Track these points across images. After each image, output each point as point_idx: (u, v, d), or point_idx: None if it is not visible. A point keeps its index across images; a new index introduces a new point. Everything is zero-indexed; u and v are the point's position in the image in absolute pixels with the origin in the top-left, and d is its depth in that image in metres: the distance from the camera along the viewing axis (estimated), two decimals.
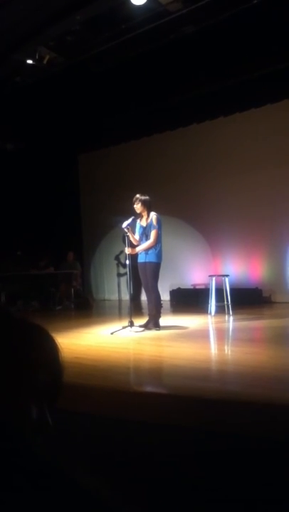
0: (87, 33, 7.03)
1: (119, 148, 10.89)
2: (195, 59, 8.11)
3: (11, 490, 0.48)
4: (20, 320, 0.70)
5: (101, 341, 5.13)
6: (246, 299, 8.11)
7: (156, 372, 3.82)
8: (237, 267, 9.12)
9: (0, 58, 7.18)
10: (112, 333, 5.47)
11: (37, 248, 10.33)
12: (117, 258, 11.08)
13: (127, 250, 5.82)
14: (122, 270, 11.05)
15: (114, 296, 11.27)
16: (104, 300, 11.29)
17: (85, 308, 9.17)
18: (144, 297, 8.50)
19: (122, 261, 10.91)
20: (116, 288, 11.26)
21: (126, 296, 10.80)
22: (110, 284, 11.37)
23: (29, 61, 7.19)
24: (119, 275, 11.15)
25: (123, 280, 11.08)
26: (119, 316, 8.78)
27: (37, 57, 7.26)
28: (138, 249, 5.81)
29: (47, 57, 7.23)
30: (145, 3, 6.30)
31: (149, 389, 3.38)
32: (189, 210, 9.77)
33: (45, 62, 7.22)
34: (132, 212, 6.03)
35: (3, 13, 5.76)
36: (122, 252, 10.76)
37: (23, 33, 6.59)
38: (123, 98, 9.12)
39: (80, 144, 11.19)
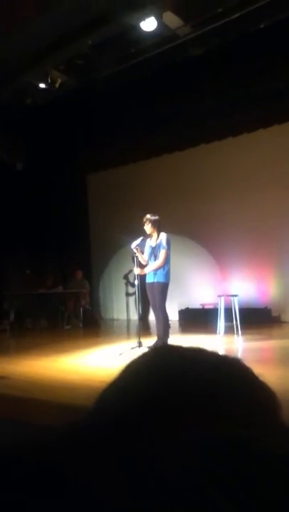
0: (97, 56, 7.19)
1: (128, 168, 10.98)
2: (203, 80, 8.24)
3: None
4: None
5: (110, 363, 5.10)
6: (255, 319, 8.05)
7: None
8: (245, 287, 9.07)
9: (12, 81, 7.34)
10: (120, 354, 5.44)
11: (45, 267, 10.38)
12: (125, 277, 11.08)
13: (137, 271, 5.82)
14: (130, 289, 11.04)
15: (123, 316, 11.24)
16: (113, 319, 11.25)
17: (94, 327, 9.15)
18: (152, 317, 8.49)
19: (131, 280, 10.91)
20: (124, 307, 11.24)
21: (134, 316, 10.78)
22: (119, 304, 11.35)
23: (41, 85, 7.32)
24: (128, 294, 11.14)
25: (131, 299, 11.06)
26: (128, 335, 8.75)
27: (49, 80, 7.41)
28: (147, 269, 5.81)
29: (59, 80, 7.38)
30: (155, 28, 6.42)
31: None
32: (198, 229, 9.78)
33: (57, 85, 7.36)
34: (140, 232, 6.06)
35: (14, 37, 5.90)
36: (131, 271, 10.75)
37: (35, 56, 6.75)
38: (131, 118, 9.25)
39: (89, 163, 11.31)
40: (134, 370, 0.58)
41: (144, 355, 0.60)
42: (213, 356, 0.58)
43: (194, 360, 0.56)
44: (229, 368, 0.57)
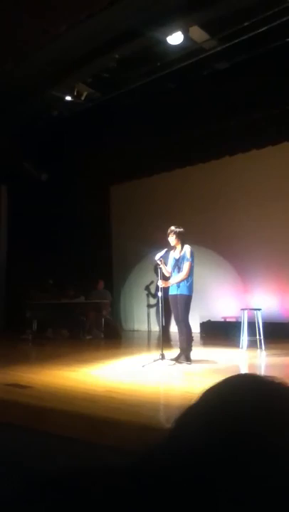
0: (123, 70, 7.28)
1: (151, 180, 11.03)
2: (227, 93, 8.25)
3: None
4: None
5: (132, 374, 5.08)
6: (278, 333, 7.91)
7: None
8: (268, 300, 8.94)
9: (39, 93, 7.48)
10: (143, 366, 5.42)
11: (68, 277, 10.45)
12: (147, 288, 11.07)
13: (160, 283, 5.80)
14: (151, 301, 11.02)
15: (144, 327, 11.21)
16: (134, 330, 11.24)
17: (115, 337, 9.14)
18: (173, 329, 8.44)
19: (152, 291, 10.89)
20: (145, 318, 11.21)
21: (155, 327, 10.74)
22: (140, 315, 11.33)
23: (68, 97, 7.45)
24: (149, 306, 11.12)
25: (152, 311, 11.03)
26: (149, 347, 8.72)
27: (75, 93, 7.53)
28: (171, 281, 5.79)
29: (85, 93, 7.50)
30: (181, 42, 6.47)
31: None
32: (220, 241, 9.73)
33: (83, 98, 7.47)
34: (162, 243, 6.06)
35: (44, 52, 6.03)
36: (152, 282, 10.75)
37: (63, 70, 6.88)
38: (155, 130, 9.31)
39: (112, 174, 11.41)
40: (220, 398, 0.56)
41: (229, 381, 0.58)
42: None
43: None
44: None
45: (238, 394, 0.55)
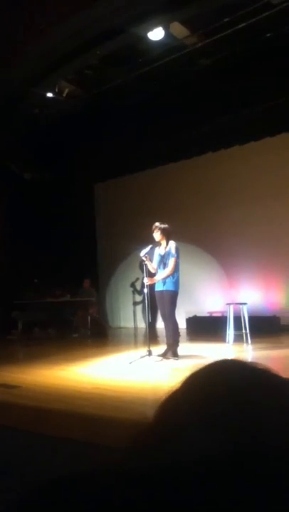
0: (105, 66, 7.26)
1: (135, 177, 11.02)
2: (212, 90, 8.28)
3: None
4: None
5: (120, 371, 5.08)
6: (264, 327, 7.99)
7: None
8: (253, 295, 9.02)
9: (21, 92, 7.41)
10: (130, 363, 5.42)
11: (53, 276, 10.39)
12: (132, 285, 11.08)
13: (146, 280, 5.81)
14: (137, 298, 11.04)
15: (130, 324, 11.22)
16: (120, 328, 11.24)
17: (102, 336, 9.14)
18: (159, 325, 8.47)
19: (138, 288, 10.91)
20: (132, 315, 11.23)
21: (142, 324, 10.76)
22: (126, 312, 11.34)
23: (49, 94, 7.39)
24: (135, 303, 11.13)
25: (139, 308, 11.06)
26: (136, 344, 8.74)
27: (56, 90, 7.48)
28: (157, 278, 5.81)
29: (66, 90, 7.45)
30: (162, 38, 6.48)
31: None
32: (205, 237, 9.78)
33: (64, 95, 7.42)
34: (147, 240, 6.07)
35: (26, 50, 5.97)
36: (138, 279, 10.77)
37: (45, 68, 6.82)
38: (139, 128, 9.31)
39: (97, 172, 11.37)
40: (200, 383, 0.56)
41: (212, 366, 0.58)
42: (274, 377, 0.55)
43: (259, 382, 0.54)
44: None
45: (222, 377, 0.55)
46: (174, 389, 0.58)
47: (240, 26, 6.60)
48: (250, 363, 0.58)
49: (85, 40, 6.00)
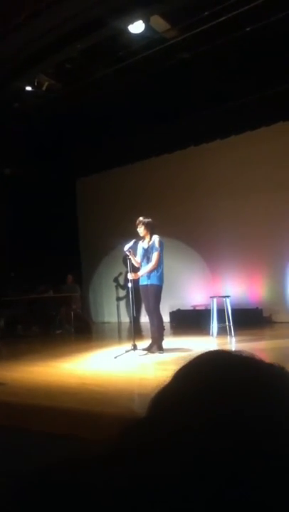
0: (85, 60, 7.19)
1: (117, 172, 10.99)
2: (192, 84, 8.27)
3: None
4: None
5: (105, 366, 5.09)
6: (247, 320, 8.08)
7: None
8: (236, 287, 9.12)
9: (1, 87, 7.30)
10: (115, 357, 5.42)
11: (36, 272, 10.28)
12: (116, 280, 11.07)
13: (130, 276, 5.80)
14: (121, 292, 11.03)
15: (114, 319, 11.22)
16: (104, 323, 11.23)
17: (86, 331, 9.11)
18: (143, 319, 8.49)
19: (122, 283, 10.90)
20: (115, 310, 11.22)
21: (125, 319, 10.77)
22: (109, 307, 11.33)
23: (28, 88, 7.30)
24: (119, 297, 11.12)
25: (122, 302, 11.06)
26: (120, 338, 8.73)
27: (36, 83, 7.38)
28: (140, 273, 5.81)
29: (46, 83, 7.36)
30: (142, 31, 6.45)
31: None
32: (188, 231, 9.82)
33: (44, 88, 7.34)
34: (130, 235, 6.06)
35: (4, 43, 5.88)
36: (121, 274, 10.75)
37: (24, 61, 6.72)
38: (120, 122, 9.25)
39: (78, 167, 11.29)
40: (191, 376, 0.57)
41: (201, 359, 0.58)
42: (267, 368, 0.56)
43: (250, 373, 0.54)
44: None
45: (212, 369, 0.55)
46: (165, 384, 0.58)
47: (220, 20, 6.61)
48: (236, 351, 0.58)
49: (65, 33, 5.93)
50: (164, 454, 0.48)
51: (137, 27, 6.43)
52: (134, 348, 5.63)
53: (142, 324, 8.94)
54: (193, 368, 0.58)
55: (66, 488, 0.49)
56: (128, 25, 6.34)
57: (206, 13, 6.56)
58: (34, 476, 0.53)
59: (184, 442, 0.48)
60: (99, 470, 0.51)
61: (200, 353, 0.59)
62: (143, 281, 5.82)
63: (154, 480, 0.47)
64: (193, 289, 9.78)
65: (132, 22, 6.21)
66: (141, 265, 5.87)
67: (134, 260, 5.88)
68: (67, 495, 0.48)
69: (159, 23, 6.77)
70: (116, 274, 10.99)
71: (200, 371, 0.57)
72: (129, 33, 6.51)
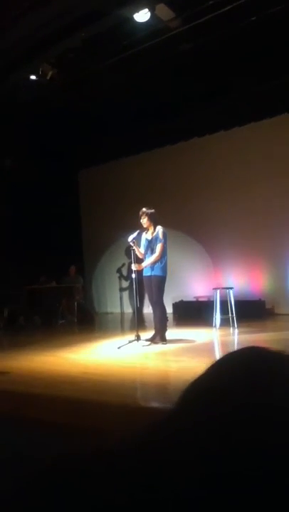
0: (89, 49, 7.13)
1: (120, 163, 10.96)
2: (194, 75, 8.21)
3: None
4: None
5: (109, 356, 5.10)
6: (249, 311, 8.08)
7: (165, 387, 3.79)
8: (239, 279, 9.12)
9: (3, 76, 7.25)
10: (119, 348, 5.44)
11: (38, 263, 10.28)
12: (119, 271, 11.08)
13: (134, 266, 5.80)
14: (124, 283, 11.04)
15: (117, 309, 11.24)
16: (107, 313, 11.25)
17: (88, 322, 9.13)
18: (146, 310, 8.50)
19: (124, 274, 10.91)
20: (118, 301, 11.24)
21: (128, 309, 10.79)
22: (112, 297, 11.35)
23: (32, 77, 7.25)
24: (122, 288, 11.14)
25: (125, 293, 11.07)
26: (123, 329, 8.76)
27: (40, 73, 7.33)
28: (144, 264, 5.81)
29: (50, 73, 7.31)
30: (147, 20, 6.38)
31: (158, 405, 3.35)
32: (190, 223, 9.80)
33: (48, 77, 7.29)
34: (132, 226, 6.05)
35: (8, 33, 5.83)
36: (124, 264, 10.76)
37: (27, 50, 6.67)
38: (123, 113, 9.19)
39: (81, 158, 11.25)
40: (227, 371, 0.56)
41: (237, 354, 0.57)
42: None
43: None
44: None
45: (248, 367, 0.54)
46: (199, 376, 0.57)
47: (225, 9, 6.53)
48: (273, 349, 0.57)
49: (68, 22, 5.87)
50: (190, 445, 0.48)
51: (142, 16, 6.36)
52: (138, 338, 5.65)
53: (145, 315, 8.95)
54: (227, 361, 0.57)
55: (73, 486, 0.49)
56: (134, 13, 6.27)
57: (210, 1, 6.50)
58: (39, 474, 0.52)
59: (208, 433, 0.48)
60: (119, 463, 0.50)
61: (240, 348, 0.58)
62: (146, 272, 5.82)
63: (178, 469, 0.46)
64: (196, 280, 9.78)
65: (138, 10, 6.14)
66: (144, 256, 5.87)
67: (138, 251, 5.88)
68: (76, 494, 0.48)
69: (164, 12, 6.70)
70: (119, 265, 11.00)
71: (233, 365, 0.56)
72: (134, 21, 6.44)
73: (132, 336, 5.75)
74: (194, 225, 9.78)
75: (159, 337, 5.75)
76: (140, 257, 5.90)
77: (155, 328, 5.85)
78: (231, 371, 0.54)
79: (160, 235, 5.72)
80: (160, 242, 5.71)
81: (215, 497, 0.44)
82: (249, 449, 0.45)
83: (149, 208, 5.87)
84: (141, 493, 0.46)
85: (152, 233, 5.80)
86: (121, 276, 11.09)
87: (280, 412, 0.47)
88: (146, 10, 6.09)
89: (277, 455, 0.45)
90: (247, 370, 0.53)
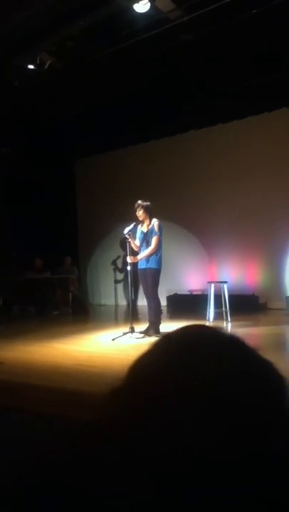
0: (88, 38, 7.06)
1: (116, 154, 10.91)
2: (193, 66, 8.16)
3: None
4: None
5: (102, 348, 5.12)
6: (243, 306, 8.11)
7: None
8: (233, 273, 9.14)
9: (0, 63, 7.18)
10: (113, 340, 5.46)
11: (33, 253, 10.27)
12: (114, 263, 11.07)
13: (129, 259, 5.81)
14: (118, 275, 11.04)
15: (111, 301, 11.25)
16: (101, 305, 11.26)
17: (83, 313, 9.14)
18: (140, 302, 8.52)
19: (119, 266, 10.91)
20: (112, 293, 11.25)
21: (122, 302, 10.80)
22: (107, 289, 11.35)
23: (30, 66, 7.18)
24: (116, 280, 11.14)
25: (119, 285, 11.07)
26: (117, 321, 8.78)
27: (38, 62, 7.26)
28: (140, 256, 5.81)
29: (48, 62, 7.24)
30: (147, 10, 6.32)
31: None
32: (186, 215, 9.80)
33: (46, 67, 7.22)
34: (128, 218, 6.04)
35: (5, 20, 5.76)
36: (119, 257, 10.75)
37: (25, 38, 6.60)
38: (120, 104, 9.14)
39: (77, 149, 11.19)
40: (169, 347, 0.57)
41: (181, 331, 0.59)
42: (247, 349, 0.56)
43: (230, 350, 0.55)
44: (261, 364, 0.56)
45: (190, 341, 0.56)
46: (146, 351, 0.58)
47: (225, 0, 6.48)
48: (222, 329, 0.58)
49: (67, 11, 5.81)
50: (138, 425, 0.48)
51: (142, 6, 6.29)
52: (132, 330, 5.67)
53: (139, 307, 8.96)
54: (174, 339, 0.58)
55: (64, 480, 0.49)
56: (134, 3, 6.21)
57: None
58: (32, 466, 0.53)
59: (155, 412, 0.48)
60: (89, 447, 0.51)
61: (184, 326, 0.59)
62: (142, 265, 5.83)
63: (131, 450, 0.47)
64: (191, 273, 9.80)
65: (137, 1, 6.08)
66: (140, 249, 5.87)
67: (134, 244, 5.88)
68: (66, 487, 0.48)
69: (164, 3, 6.64)
70: (114, 257, 10.99)
71: (179, 342, 0.57)
72: (134, 12, 6.37)
73: (126, 328, 5.77)
74: (190, 218, 9.78)
75: (153, 329, 5.77)
76: (135, 249, 5.91)
77: (149, 321, 5.87)
78: (176, 348, 0.56)
79: (156, 228, 5.72)
80: (156, 234, 5.71)
81: (164, 473, 0.45)
82: (192, 423, 0.46)
83: (144, 200, 5.87)
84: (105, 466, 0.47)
85: (148, 226, 5.80)
86: (116, 269, 11.09)
87: (221, 389, 0.49)
88: (146, 0, 6.02)
89: (220, 429, 0.46)
90: (191, 346, 0.55)
